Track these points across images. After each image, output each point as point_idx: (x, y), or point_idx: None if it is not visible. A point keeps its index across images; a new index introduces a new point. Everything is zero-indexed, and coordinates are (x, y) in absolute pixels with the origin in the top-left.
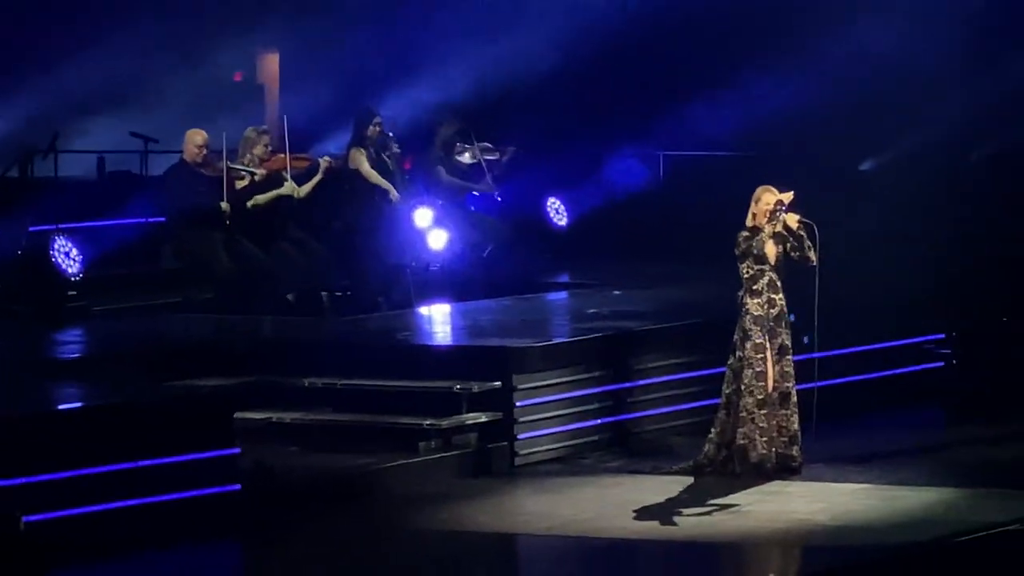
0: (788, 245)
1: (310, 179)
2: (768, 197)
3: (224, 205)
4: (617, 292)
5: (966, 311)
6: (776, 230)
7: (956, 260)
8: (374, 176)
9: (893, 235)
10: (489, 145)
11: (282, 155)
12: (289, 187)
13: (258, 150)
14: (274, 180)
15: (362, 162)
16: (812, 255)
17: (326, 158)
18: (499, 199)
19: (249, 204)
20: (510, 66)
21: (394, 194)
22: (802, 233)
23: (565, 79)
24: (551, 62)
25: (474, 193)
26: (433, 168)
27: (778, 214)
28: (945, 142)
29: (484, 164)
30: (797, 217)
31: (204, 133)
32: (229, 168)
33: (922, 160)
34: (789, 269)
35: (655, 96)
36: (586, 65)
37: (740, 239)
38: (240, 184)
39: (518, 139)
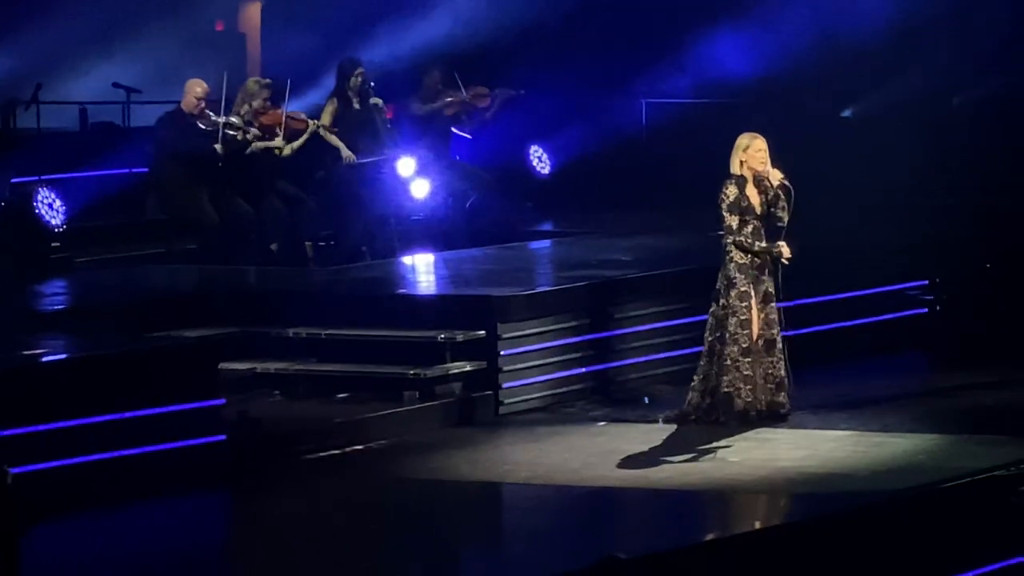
0: (766, 196)
1: (298, 138)
2: (758, 143)
3: (219, 147)
4: (601, 241)
5: (949, 258)
6: (761, 178)
7: (939, 207)
8: (328, 137)
9: (876, 182)
10: (484, 90)
11: (278, 111)
12: (279, 142)
13: (257, 103)
14: (266, 136)
15: (324, 118)
16: (784, 216)
17: (315, 122)
18: (469, 137)
19: (247, 151)
20: (494, 13)
21: (346, 154)
22: (779, 193)
23: (548, 24)
24: (535, 8)
25: (455, 130)
26: (409, 106)
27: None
28: (928, 89)
29: (471, 108)
30: (780, 176)
31: (204, 84)
32: (224, 123)
33: (905, 107)
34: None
35: (636, 44)
36: (570, 11)
37: (727, 188)
38: (235, 138)
39: (503, 85)
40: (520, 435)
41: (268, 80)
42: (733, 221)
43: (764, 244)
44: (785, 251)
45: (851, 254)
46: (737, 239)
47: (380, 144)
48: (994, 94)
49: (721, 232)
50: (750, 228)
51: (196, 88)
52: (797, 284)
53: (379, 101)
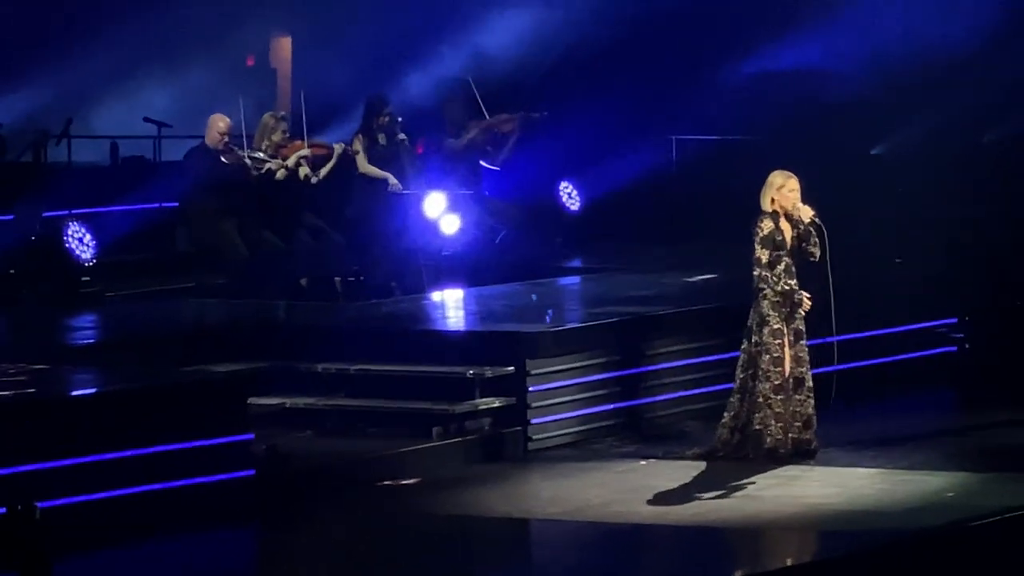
0: (798, 231)
1: (324, 165)
2: (792, 183)
3: (247, 161)
4: (630, 278)
5: (979, 295)
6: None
7: (969, 244)
8: (370, 170)
9: (905, 219)
10: (502, 116)
11: (300, 141)
12: (304, 172)
13: (276, 136)
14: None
15: (360, 154)
16: (816, 251)
17: (341, 144)
18: (498, 169)
19: (275, 178)
20: (523, 49)
21: (393, 181)
22: (811, 229)
23: (578, 59)
24: (565, 43)
25: (484, 164)
26: (444, 144)
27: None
28: (958, 126)
29: (497, 137)
30: (812, 213)
31: (227, 119)
32: (249, 157)
33: (934, 144)
34: (802, 260)
35: (668, 80)
36: (600, 47)
37: (762, 222)
38: (258, 173)
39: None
40: (549, 471)
41: (283, 113)
42: (764, 255)
43: (792, 284)
44: (806, 301)
45: (881, 291)
46: (764, 274)
47: (406, 181)
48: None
49: (754, 269)
50: (782, 265)
51: (219, 123)
52: (826, 321)
53: (405, 138)
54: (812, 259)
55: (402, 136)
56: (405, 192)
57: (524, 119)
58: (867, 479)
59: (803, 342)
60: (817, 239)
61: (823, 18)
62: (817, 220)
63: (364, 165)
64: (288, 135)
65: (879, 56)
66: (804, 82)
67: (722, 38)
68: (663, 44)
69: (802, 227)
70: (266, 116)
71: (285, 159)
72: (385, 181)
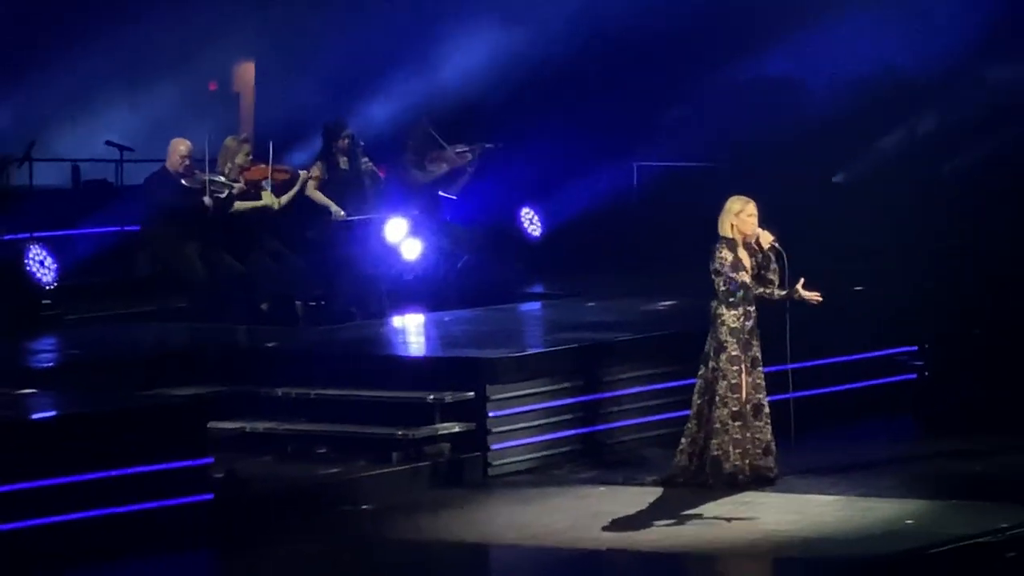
0: (756, 259)
1: (288, 191)
2: (750, 208)
3: (207, 200)
4: (591, 304)
5: (939, 323)
6: (749, 241)
7: (929, 272)
8: (316, 196)
9: (866, 247)
10: (462, 147)
11: (263, 165)
12: (268, 198)
13: (239, 159)
14: (252, 191)
15: (312, 180)
16: (775, 278)
17: (305, 171)
18: (454, 198)
19: (231, 211)
20: (485, 74)
21: (335, 209)
22: (770, 255)
23: (540, 86)
24: (526, 68)
25: (441, 193)
26: (408, 174)
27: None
28: (918, 154)
29: (458, 167)
30: (771, 238)
31: (188, 143)
32: (210, 181)
33: (895, 172)
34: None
35: (628, 106)
36: (561, 73)
37: (718, 251)
38: (219, 198)
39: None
40: (508, 497)
41: (245, 135)
42: (721, 283)
43: (751, 310)
44: (809, 295)
45: (841, 319)
46: (759, 291)
47: (368, 205)
48: (983, 159)
49: (713, 297)
50: (740, 291)
51: (180, 147)
52: (786, 348)
53: (368, 161)
54: (771, 298)
55: (365, 160)
56: (357, 218)
57: (481, 150)
58: (826, 506)
59: (760, 368)
60: (776, 265)
61: (785, 44)
62: (777, 245)
63: (311, 190)
64: (251, 157)
65: (842, 84)
66: (766, 109)
67: (683, 64)
68: (625, 69)
69: (759, 256)
70: (228, 139)
71: (249, 183)
72: (327, 209)
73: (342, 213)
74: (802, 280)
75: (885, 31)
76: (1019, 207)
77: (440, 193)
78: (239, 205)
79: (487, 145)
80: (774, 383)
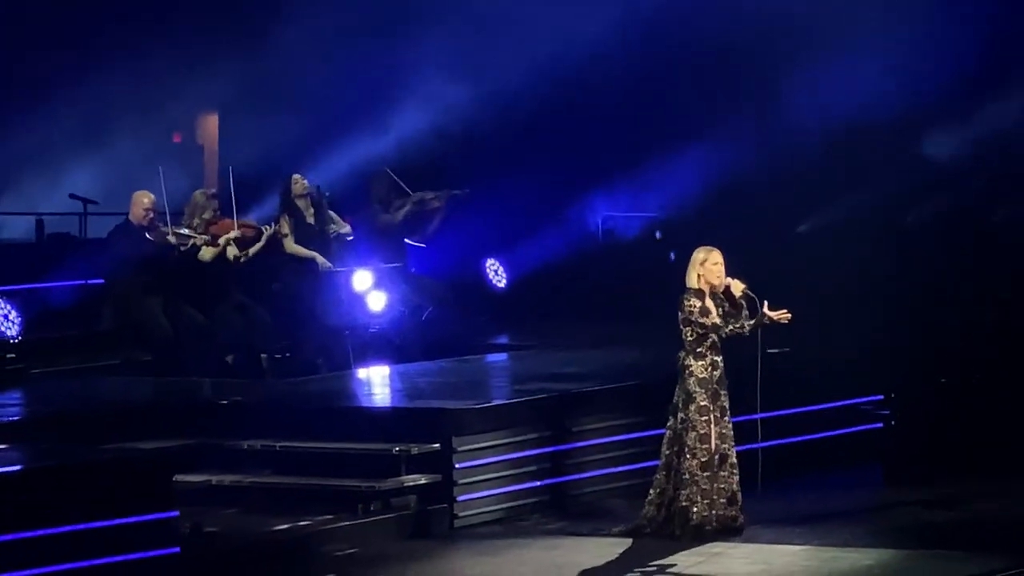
0: (723, 309)
1: (253, 246)
2: (714, 256)
3: (173, 239)
4: (557, 354)
5: (904, 373)
6: (716, 292)
7: (893, 322)
8: (298, 250)
9: (831, 296)
10: (428, 194)
11: (229, 220)
12: (232, 253)
13: (207, 215)
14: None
15: (287, 236)
16: (747, 324)
17: (269, 226)
18: (423, 246)
19: (198, 256)
20: (450, 125)
21: (320, 260)
22: (743, 303)
23: (504, 137)
24: (490, 119)
25: (409, 242)
26: (375, 219)
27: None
28: (882, 204)
29: (423, 213)
30: (743, 287)
31: (151, 195)
32: (174, 233)
33: (859, 222)
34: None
35: (592, 159)
36: (522, 126)
37: (686, 301)
38: (184, 248)
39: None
40: (475, 548)
41: (214, 191)
42: (689, 333)
43: (718, 360)
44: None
45: (806, 369)
46: (728, 329)
47: (334, 258)
48: (947, 210)
49: (681, 348)
50: (708, 342)
51: (143, 199)
52: (752, 398)
53: (337, 220)
54: (743, 332)
55: (332, 215)
56: (332, 269)
57: (448, 196)
58: (792, 556)
59: (727, 419)
60: (748, 311)
61: (750, 93)
62: (750, 292)
63: (291, 246)
64: (219, 213)
65: (807, 134)
66: (730, 157)
67: (649, 116)
68: (589, 120)
69: (726, 305)
70: (196, 193)
71: (215, 236)
72: (313, 260)
73: (329, 264)
74: (766, 303)
75: (856, 78)
76: (983, 257)
77: (407, 242)
78: (205, 252)
79: (454, 191)
80: (740, 432)
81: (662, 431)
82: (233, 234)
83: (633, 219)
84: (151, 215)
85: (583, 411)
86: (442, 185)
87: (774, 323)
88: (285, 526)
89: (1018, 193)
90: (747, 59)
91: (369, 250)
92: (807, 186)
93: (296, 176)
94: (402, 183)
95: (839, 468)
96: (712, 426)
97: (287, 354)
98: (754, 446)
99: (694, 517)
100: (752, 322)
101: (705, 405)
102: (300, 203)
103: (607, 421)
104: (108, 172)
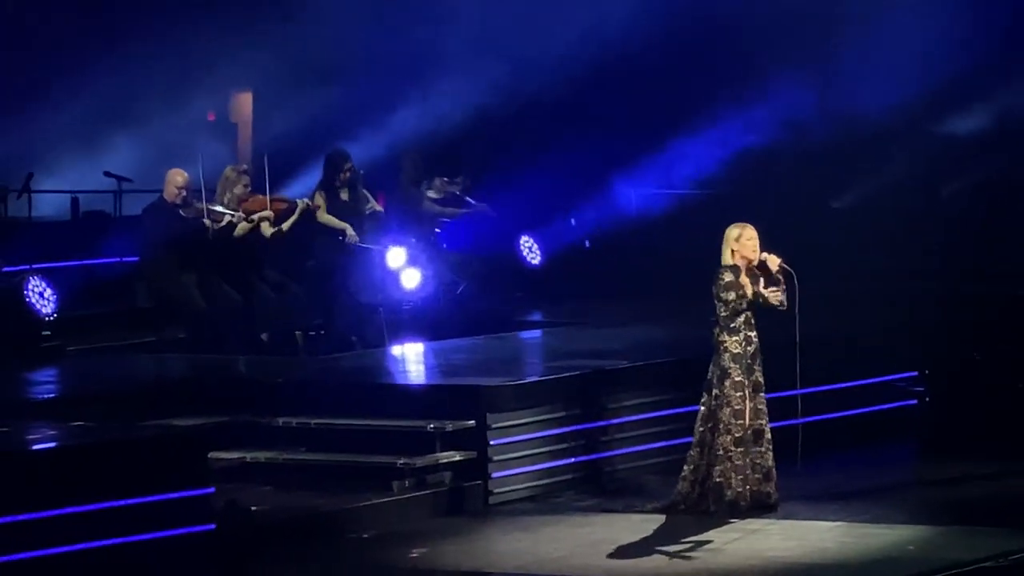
0: (760, 285)
1: (287, 220)
2: (748, 232)
3: (208, 222)
4: (591, 331)
5: (939, 349)
6: (752, 267)
7: (928, 297)
8: (330, 220)
9: (865, 272)
10: (447, 179)
11: (262, 196)
12: (267, 228)
13: (238, 190)
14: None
15: (321, 207)
16: (784, 299)
17: (304, 200)
18: (492, 213)
19: (233, 234)
20: (486, 99)
21: (350, 232)
22: (780, 277)
23: (539, 114)
24: (527, 96)
25: (444, 220)
26: (410, 202)
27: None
28: (917, 179)
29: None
30: (779, 261)
31: (185, 173)
32: (208, 210)
33: (894, 197)
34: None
35: (627, 134)
36: (558, 102)
37: (722, 277)
38: (218, 226)
39: (488, 176)
40: (509, 525)
41: (245, 166)
42: (723, 309)
43: (752, 335)
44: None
45: (841, 345)
46: (759, 292)
47: (368, 236)
48: (980, 183)
49: (713, 320)
50: (742, 317)
51: (177, 178)
52: (788, 375)
53: (368, 195)
54: (781, 307)
55: (366, 194)
56: (365, 246)
57: (471, 209)
58: (827, 532)
59: (762, 394)
60: (786, 286)
61: (783, 70)
62: (786, 266)
63: (323, 215)
64: (250, 188)
65: (840, 109)
66: (765, 134)
67: (683, 91)
68: (624, 97)
69: (762, 282)
70: (227, 169)
71: (247, 212)
72: (343, 231)
73: (356, 237)
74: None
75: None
76: (1018, 229)
77: (441, 219)
78: (239, 228)
79: (480, 204)
80: (777, 409)
81: (696, 408)
82: (266, 213)
83: (667, 196)
84: (184, 193)
85: (617, 388)
86: (474, 165)
87: (777, 272)
88: (320, 503)
89: None
90: (786, 33)
91: (403, 228)
92: (842, 161)
93: (349, 165)
94: (427, 168)
95: (874, 445)
96: (747, 402)
97: (321, 331)
98: (793, 422)
99: (728, 493)
100: (775, 288)
101: (740, 380)
102: (339, 183)
103: (641, 398)
104: (142, 150)
